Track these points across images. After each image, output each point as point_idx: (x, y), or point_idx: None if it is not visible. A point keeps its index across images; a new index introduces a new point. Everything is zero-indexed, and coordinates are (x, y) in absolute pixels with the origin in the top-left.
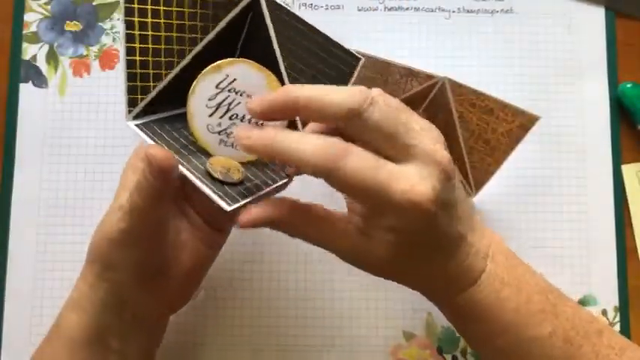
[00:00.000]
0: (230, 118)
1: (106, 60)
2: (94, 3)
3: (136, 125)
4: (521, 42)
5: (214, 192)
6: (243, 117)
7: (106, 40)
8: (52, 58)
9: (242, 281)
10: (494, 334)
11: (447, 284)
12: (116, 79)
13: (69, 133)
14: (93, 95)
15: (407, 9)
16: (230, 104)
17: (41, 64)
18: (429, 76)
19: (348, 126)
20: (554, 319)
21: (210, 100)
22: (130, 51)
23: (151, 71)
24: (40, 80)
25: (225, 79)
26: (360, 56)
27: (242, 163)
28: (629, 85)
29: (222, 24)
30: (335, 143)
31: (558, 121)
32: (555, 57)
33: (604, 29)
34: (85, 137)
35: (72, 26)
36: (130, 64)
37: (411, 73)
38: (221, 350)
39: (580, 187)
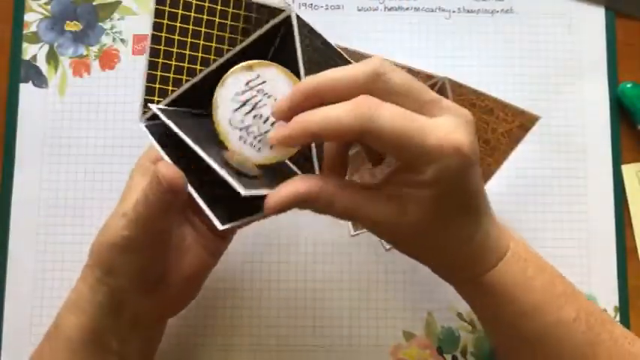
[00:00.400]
0: (254, 117)
1: (106, 60)
2: (94, 3)
3: (149, 121)
4: (521, 42)
5: (231, 175)
6: (267, 119)
7: (106, 40)
8: (52, 58)
9: (242, 281)
10: (519, 316)
11: (474, 258)
12: (116, 79)
13: (69, 133)
14: (93, 95)
15: (407, 9)
16: (256, 104)
17: (41, 64)
18: (429, 76)
19: (373, 90)
20: (576, 303)
21: (237, 95)
22: (153, 52)
23: (172, 75)
24: (40, 80)
25: (255, 79)
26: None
27: (258, 166)
28: (629, 85)
29: (251, 38)
30: (365, 99)
31: (558, 121)
32: (555, 57)
33: (604, 29)
34: (85, 137)
35: (72, 26)
36: (151, 66)
37: (410, 73)
38: (221, 350)
39: (580, 187)
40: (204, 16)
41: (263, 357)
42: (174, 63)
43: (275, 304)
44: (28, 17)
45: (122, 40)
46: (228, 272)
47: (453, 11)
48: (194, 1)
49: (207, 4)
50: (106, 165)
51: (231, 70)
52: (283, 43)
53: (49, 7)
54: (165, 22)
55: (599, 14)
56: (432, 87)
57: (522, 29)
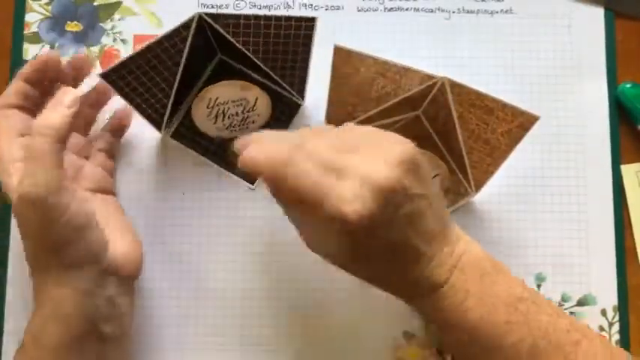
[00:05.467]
0: (228, 118)
1: (107, 60)
2: (94, 3)
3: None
4: (521, 42)
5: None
6: (236, 112)
7: (106, 40)
8: None
9: (242, 281)
10: (460, 344)
11: (408, 288)
12: None
13: None
14: None
15: (407, 9)
16: (224, 111)
17: None
18: (429, 76)
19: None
20: (522, 329)
21: (208, 116)
22: (137, 108)
23: (156, 105)
24: None
25: (210, 101)
26: (312, 17)
27: None
28: (629, 85)
29: (185, 52)
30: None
31: (558, 121)
32: (555, 57)
33: (604, 29)
34: None
35: (73, 27)
36: (141, 111)
37: (410, 73)
38: (221, 350)
39: (580, 187)
40: (143, 62)
41: (262, 357)
42: (149, 96)
43: (274, 304)
44: (29, 17)
45: (123, 41)
46: (228, 272)
47: (453, 11)
48: (129, 61)
49: (138, 60)
50: None
51: (192, 105)
52: (217, 36)
53: (49, 7)
54: (118, 80)
55: (599, 14)
56: (431, 87)
57: (522, 29)
